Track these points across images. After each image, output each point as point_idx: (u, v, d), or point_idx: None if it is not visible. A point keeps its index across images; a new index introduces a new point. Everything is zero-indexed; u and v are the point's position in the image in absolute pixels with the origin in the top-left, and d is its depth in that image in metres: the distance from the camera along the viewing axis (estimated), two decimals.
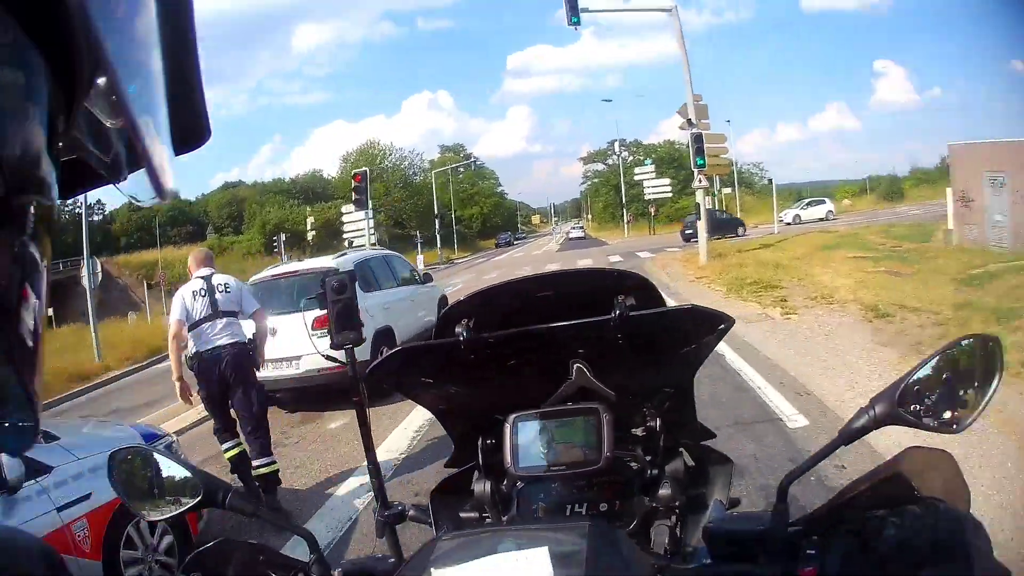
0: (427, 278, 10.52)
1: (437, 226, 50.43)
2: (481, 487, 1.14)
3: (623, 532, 0.96)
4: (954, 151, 18.10)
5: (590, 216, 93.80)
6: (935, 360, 0.94)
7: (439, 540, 0.89)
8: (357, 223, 31.32)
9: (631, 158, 66.98)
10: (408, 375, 1.21)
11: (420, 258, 43.12)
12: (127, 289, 48.36)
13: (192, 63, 0.42)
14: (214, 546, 0.97)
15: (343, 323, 1.69)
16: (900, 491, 0.89)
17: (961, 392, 0.93)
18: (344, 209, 35.86)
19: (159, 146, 0.36)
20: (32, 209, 0.32)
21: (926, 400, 0.93)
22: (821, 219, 38.54)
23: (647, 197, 50.68)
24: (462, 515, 1.17)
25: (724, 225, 35.14)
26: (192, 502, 1.02)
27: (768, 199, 58.22)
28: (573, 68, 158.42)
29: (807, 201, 43.22)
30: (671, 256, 23.25)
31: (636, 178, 52.94)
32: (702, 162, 18.06)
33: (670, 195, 53.05)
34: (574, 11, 16.45)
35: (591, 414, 1.06)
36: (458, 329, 1.09)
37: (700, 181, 18.62)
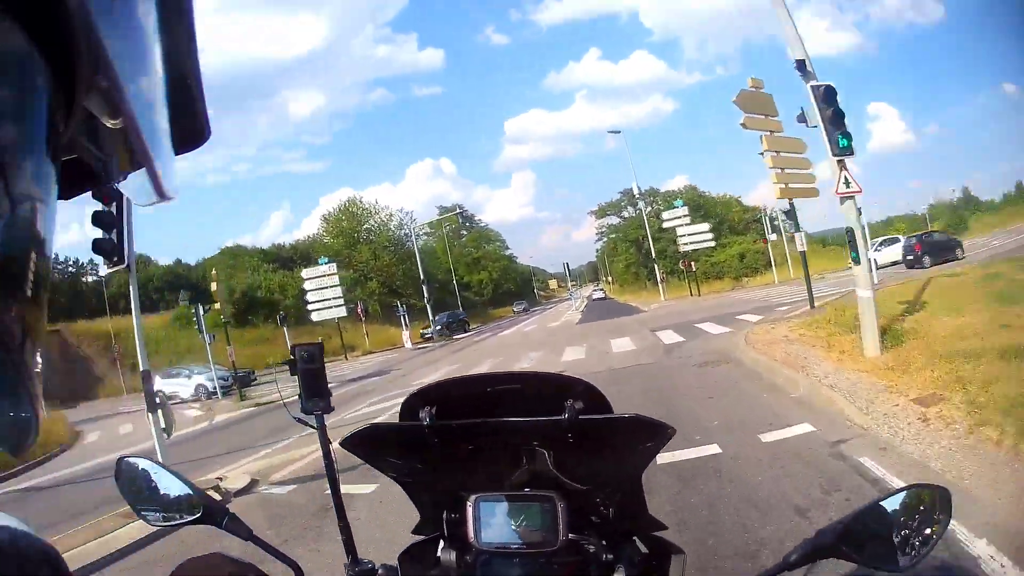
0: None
1: (425, 293, 43.14)
2: (447, 556, 1.22)
3: None
4: None
5: (610, 278, 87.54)
6: (883, 502, 1.08)
7: None
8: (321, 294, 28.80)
9: (649, 208, 58.08)
10: (376, 450, 1.27)
11: (406, 334, 37.46)
12: (87, 363, 40.46)
13: (192, 64, 0.43)
14: (207, 556, 1.09)
15: (312, 390, 1.67)
16: None
17: (907, 535, 1.05)
18: (304, 274, 31.79)
19: (159, 146, 0.38)
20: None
21: (870, 539, 1.05)
22: (897, 261, 31.38)
23: (683, 248, 41.68)
24: None
25: (942, 248, 29.46)
26: (192, 517, 1.20)
27: (812, 246, 50.08)
28: (570, 133, 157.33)
29: (880, 240, 34.35)
30: (782, 333, 13.88)
31: (666, 224, 44.00)
32: (846, 143, 9.86)
33: (712, 243, 43.95)
34: None
35: (547, 500, 1.14)
36: (421, 414, 1.16)
37: (846, 182, 10.09)
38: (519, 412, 1.16)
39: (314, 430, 1.67)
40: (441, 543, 1.27)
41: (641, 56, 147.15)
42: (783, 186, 14.65)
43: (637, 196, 53.97)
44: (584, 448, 1.16)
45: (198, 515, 1.22)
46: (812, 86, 9.61)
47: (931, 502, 1.08)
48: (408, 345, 36.75)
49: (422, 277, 44.81)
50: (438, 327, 41.36)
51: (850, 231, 10.02)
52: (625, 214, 70.37)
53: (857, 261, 10.16)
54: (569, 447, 1.16)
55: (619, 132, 51.93)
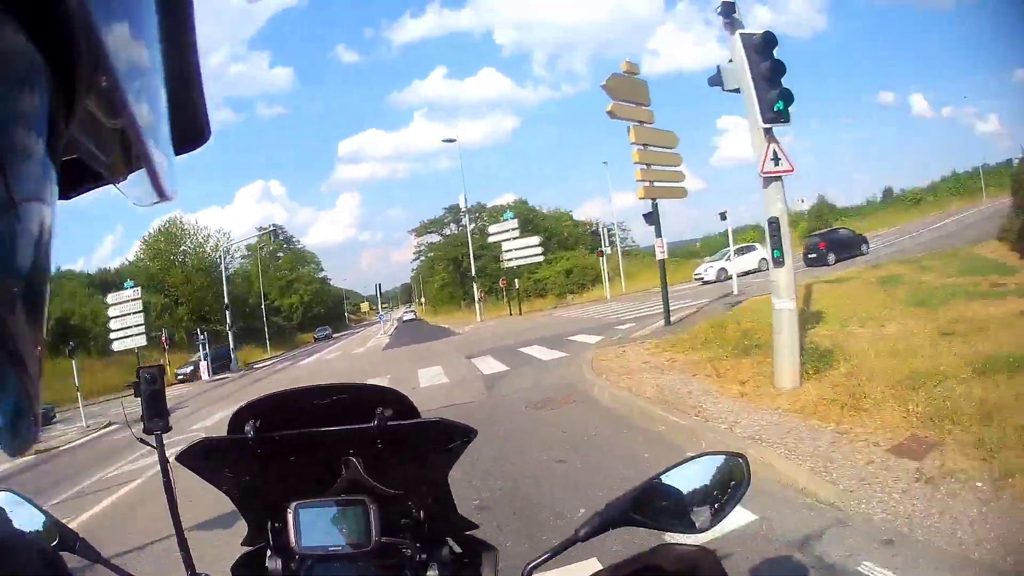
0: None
1: (228, 319, 39.00)
2: (274, 564, 1.26)
3: None
4: None
5: (423, 299, 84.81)
6: (676, 469, 1.13)
7: None
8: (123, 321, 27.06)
9: (473, 225, 54.28)
10: (208, 464, 1.28)
11: (203, 364, 34.41)
12: None
13: (192, 63, 0.44)
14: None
15: (153, 411, 1.74)
16: None
17: (703, 500, 1.11)
18: (109, 299, 29.23)
19: (159, 146, 0.39)
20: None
21: (664, 506, 1.11)
22: (754, 270, 30.13)
23: (508, 264, 38.39)
24: None
25: (846, 245, 29.31)
26: (48, 544, 1.23)
27: (643, 259, 47.46)
28: (405, 153, 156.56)
29: (735, 249, 32.80)
30: (640, 358, 10.77)
31: (492, 239, 40.43)
32: (781, 106, 7.22)
33: (540, 258, 40.94)
34: None
35: (360, 504, 1.18)
36: (247, 427, 1.19)
37: (774, 158, 7.35)
38: (337, 422, 1.19)
39: (154, 448, 1.69)
40: (268, 553, 1.28)
41: (488, 74, 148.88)
42: (648, 184, 13.09)
43: (464, 210, 49.78)
44: (393, 453, 1.20)
45: (54, 543, 1.25)
46: (742, 34, 7.19)
47: (727, 468, 1.14)
48: (205, 377, 33.15)
49: (226, 302, 39.68)
50: (190, 367, 36.22)
51: (774, 222, 7.31)
52: (447, 231, 67.67)
53: (780, 261, 7.29)
54: (380, 453, 1.20)
55: (454, 141, 47.97)
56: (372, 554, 1.19)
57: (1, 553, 0.78)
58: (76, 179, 0.42)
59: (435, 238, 69.84)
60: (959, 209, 45.54)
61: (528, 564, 1.10)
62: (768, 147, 7.16)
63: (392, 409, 1.18)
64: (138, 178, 0.39)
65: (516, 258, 37.32)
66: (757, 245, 27.97)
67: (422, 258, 74.51)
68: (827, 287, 14.33)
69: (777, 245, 7.19)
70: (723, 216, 21.58)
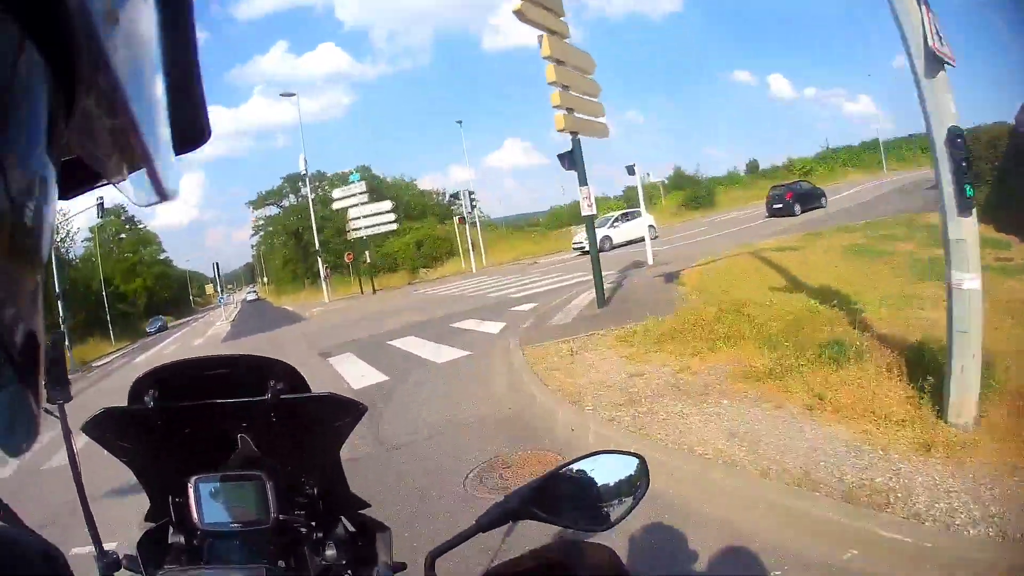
0: None
1: (61, 312, 31.81)
2: (177, 539, 1.23)
3: None
4: None
5: (265, 279, 79.20)
6: (575, 465, 1.12)
7: None
8: None
9: (314, 195, 47.04)
10: (110, 435, 1.23)
11: None
12: None
13: (192, 63, 0.43)
14: None
15: (54, 379, 1.48)
16: None
17: (604, 497, 1.11)
18: None
19: (159, 146, 0.38)
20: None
21: (563, 501, 1.10)
22: (640, 238, 25.89)
23: (357, 234, 33.25)
24: (166, 566, 1.21)
25: (810, 196, 30.47)
26: None
27: (498, 230, 47.68)
28: (247, 130, 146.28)
29: (619, 214, 29.75)
30: (635, 366, 6.58)
31: (337, 205, 35.02)
32: None
33: (395, 225, 35.64)
34: None
35: (257, 480, 1.15)
36: (146, 398, 1.15)
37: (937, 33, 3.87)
38: (232, 394, 1.16)
39: (57, 419, 1.49)
40: (171, 528, 1.25)
41: (327, 49, 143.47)
42: (566, 113, 10.15)
43: (304, 173, 39.35)
44: (286, 427, 1.18)
45: None
46: None
47: (628, 468, 1.15)
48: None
49: (57, 290, 31.95)
50: None
51: (958, 135, 3.98)
52: (287, 203, 60.98)
53: (967, 205, 4.03)
54: (273, 427, 1.18)
55: (293, 95, 39.66)
56: (271, 531, 1.16)
57: (3, 552, 0.76)
58: (76, 179, 0.43)
59: (274, 210, 63.16)
60: (862, 180, 45.96)
61: (431, 552, 1.06)
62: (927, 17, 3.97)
63: (284, 383, 1.15)
64: (138, 178, 0.39)
65: (365, 227, 32.56)
66: (642, 210, 25.13)
67: (261, 233, 67.19)
68: (796, 255, 11.53)
69: (961, 174, 3.86)
70: (631, 170, 18.28)
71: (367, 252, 34.43)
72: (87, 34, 0.30)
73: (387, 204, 33.67)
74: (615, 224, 30.18)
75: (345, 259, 38.70)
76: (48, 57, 0.30)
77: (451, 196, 43.76)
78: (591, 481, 1.11)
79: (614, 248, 27.88)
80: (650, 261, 16.31)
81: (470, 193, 35.03)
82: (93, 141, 0.36)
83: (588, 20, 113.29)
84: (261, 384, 1.14)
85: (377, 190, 46.19)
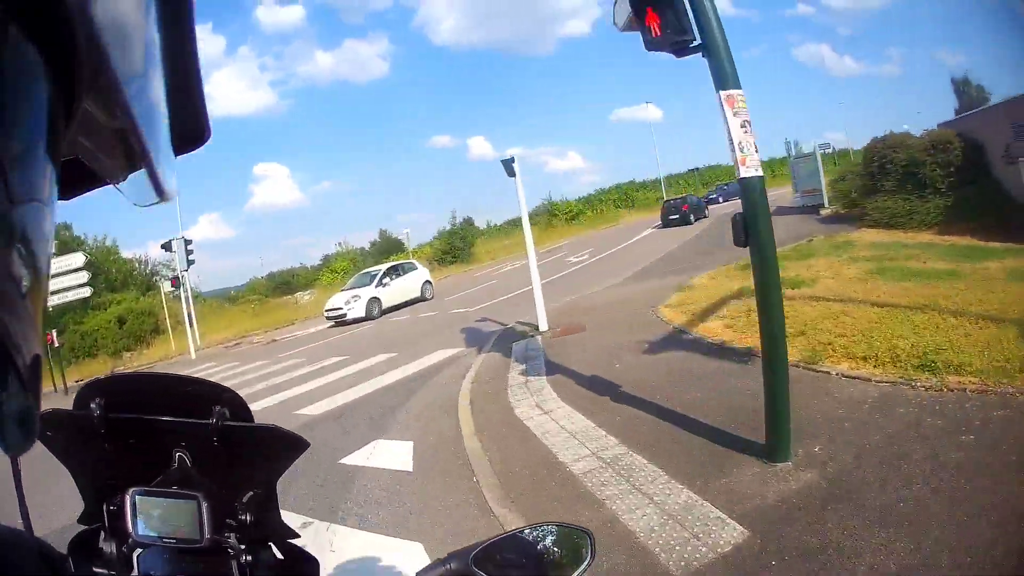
0: None
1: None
2: (108, 547, 1.18)
3: None
4: None
5: None
6: (526, 533, 1.18)
7: None
8: None
9: None
10: (50, 436, 1.17)
11: None
12: None
13: (192, 63, 0.44)
14: None
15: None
16: None
17: (548, 567, 1.16)
18: None
19: (159, 146, 0.38)
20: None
21: (509, 566, 1.13)
22: (416, 299, 24.10)
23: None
24: (96, 570, 1.18)
25: (699, 208, 35.42)
26: None
27: (210, 304, 43.52)
28: None
29: (388, 267, 25.56)
30: None
31: None
32: None
33: (87, 291, 25.27)
34: None
35: (194, 499, 1.12)
36: (92, 405, 1.12)
37: None
38: (174, 413, 1.13)
39: None
40: (103, 534, 1.19)
41: None
42: None
43: None
44: (226, 453, 1.15)
45: None
46: None
47: (573, 542, 1.18)
48: None
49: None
50: None
51: None
52: None
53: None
54: (213, 450, 1.14)
55: None
56: (204, 550, 1.12)
57: (2, 552, 0.75)
58: (76, 179, 0.43)
59: None
60: (647, 218, 46.05)
61: None
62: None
63: (229, 409, 1.12)
64: (138, 178, 0.39)
65: (51, 291, 21.93)
66: (416, 263, 21.43)
67: None
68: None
69: None
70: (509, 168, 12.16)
71: (55, 332, 24.92)
72: (87, 34, 0.30)
73: (78, 258, 23.55)
74: (384, 281, 23.88)
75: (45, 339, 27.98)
76: (48, 57, 0.30)
77: (156, 263, 37.17)
78: (536, 550, 1.17)
79: (384, 314, 22.69)
80: (543, 326, 11.67)
81: (186, 243, 27.65)
82: (93, 141, 0.37)
83: (296, 88, 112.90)
84: (206, 408, 1.12)
85: (70, 246, 35.42)
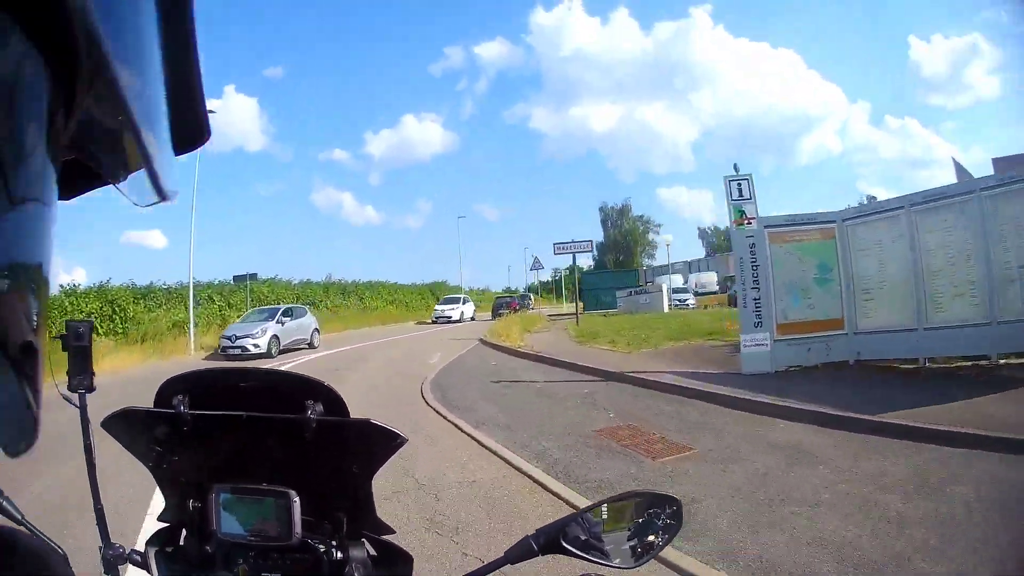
0: None
1: None
2: (191, 544, 1.22)
3: None
4: None
5: None
6: (610, 504, 1.13)
7: None
8: None
9: None
10: (130, 434, 1.23)
11: None
12: None
13: (192, 63, 0.44)
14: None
15: (78, 367, 1.51)
16: None
17: (635, 536, 1.11)
18: None
19: (159, 146, 0.39)
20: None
21: (594, 537, 1.09)
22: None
23: None
24: (175, 566, 1.23)
25: (524, 301, 42.38)
26: None
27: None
28: None
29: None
30: None
31: None
32: None
33: None
34: None
35: (283, 497, 1.13)
36: (175, 402, 1.15)
37: None
38: (266, 408, 1.14)
39: (77, 407, 1.52)
40: (185, 531, 1.26)
41: None
42: None
43: None
44: (320, 448, 1.16)
45: None
46: None
47: (660, 509, 1.13)
48: None
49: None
50: None
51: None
52: None
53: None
54: (307, 446, 1.15)
55: None
56: (292, 548, 1.15)
57: (5, 551, 0.74)
58: (76, 179, 0.42)
59: None
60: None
61: None
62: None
63: (323, 404, 1.13)
64: (138, 178, 0.38)
65: None
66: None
67: None
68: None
69: None
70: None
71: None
72: (87, 34, 0.30)
73: None
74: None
75: None
76: (48, 57, 0.30)
77: None
78: (622, 520, 1.12)
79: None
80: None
81: None
82: (93, 141, 0.37)
83: None
84: (296, 401, 1.13)
85: None
